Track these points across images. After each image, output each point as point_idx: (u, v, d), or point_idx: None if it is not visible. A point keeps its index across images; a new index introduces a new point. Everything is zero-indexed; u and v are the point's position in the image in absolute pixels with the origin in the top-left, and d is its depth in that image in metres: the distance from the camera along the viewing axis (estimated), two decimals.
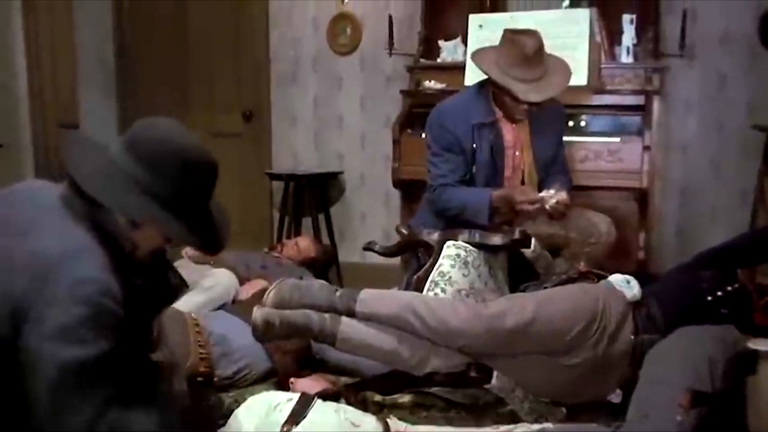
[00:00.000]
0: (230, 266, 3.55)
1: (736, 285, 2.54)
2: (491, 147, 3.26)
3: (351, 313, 2.45)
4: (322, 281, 2.77)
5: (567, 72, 3.24)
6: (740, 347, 2.17)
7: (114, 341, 1.54)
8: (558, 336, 2.33)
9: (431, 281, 2.78)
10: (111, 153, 1.70)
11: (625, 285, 2.48)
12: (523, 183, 3.32)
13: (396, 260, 3.71)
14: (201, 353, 2.69)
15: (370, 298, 2.48)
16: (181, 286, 1.92)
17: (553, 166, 3.37)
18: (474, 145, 3.26)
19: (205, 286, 3.34)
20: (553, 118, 3.36)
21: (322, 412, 2.10)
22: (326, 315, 2.44)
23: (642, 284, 2.55)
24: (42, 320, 1.50)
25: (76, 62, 5.20)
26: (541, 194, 3.10)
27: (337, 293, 2.50)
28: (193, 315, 2.83)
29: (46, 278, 1.52)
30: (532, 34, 3.18)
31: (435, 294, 2.73)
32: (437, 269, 2.81)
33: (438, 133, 3.34)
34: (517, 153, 3.32)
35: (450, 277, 2.78)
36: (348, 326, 2.43)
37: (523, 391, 2.45)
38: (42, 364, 1.49)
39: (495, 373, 2.43)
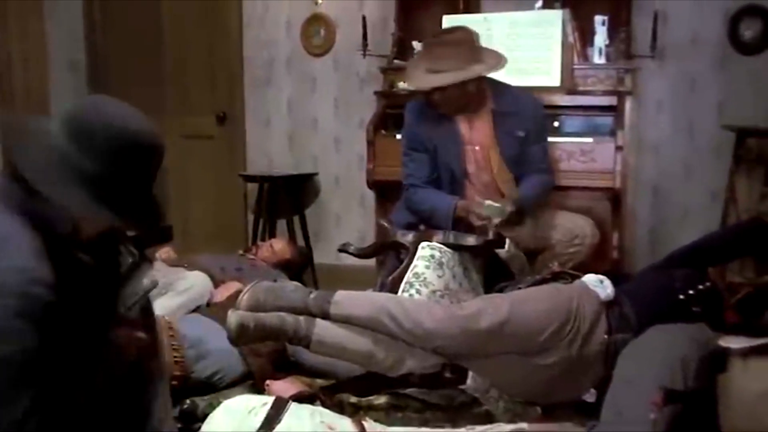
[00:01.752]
0: (205, 269, 3.53)
1: (708, 284, 2.57)
2: (448, 143, 3.29)
3: (326, 315, 2.44)
4: (297, 283, 2.76)
5: (491, 63, 3.27)
6: (712, 345, 2.19)
7: (46, 331, 1.48)
8: (532, 336, 2.34)
9: (406, 282, 2.77)
10: (50, 138, 1.62)
11: (598, 285, 2.49)
12: (493, 180, 3.34)
13: (371, 261, 3.71)
14: (175, 357, 2.67)
15: (344, 300, 2.47)
16: (140, 263, 1.86)
17: (526, 163, 3.34)
18: (435, 143, 3.30)
19: (180, 289, 3.31)
20: (521, 114, 3.31)
21: (297, 415, 2.09)
22: (301, 317, 2.42)
23: (615, 284, 2.57)
24: None
25: (47, 64, 5.15)
26: (485, 212, 3.09)
27: (312, 295, 2.49)
28: (166, 318, 2.80)
29: None
30: (458, 29, 3.30)
31: (410, 295, 2.73)
32: (412, 270, 2.81)
33: (405, 131, 3.44)
34: (477, 148, 3.32)
35: (425, 278, 2.78)
36: (322, 329, 2.43)
37: (498, 392, 2.46)
38: None
39: (470, 374, 2.44)
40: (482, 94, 3.31)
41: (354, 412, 2.56)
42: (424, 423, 2.53)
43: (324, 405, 2.41)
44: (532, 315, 2.36)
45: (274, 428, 2.04)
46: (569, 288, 2.54)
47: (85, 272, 1.67)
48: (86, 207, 1.60)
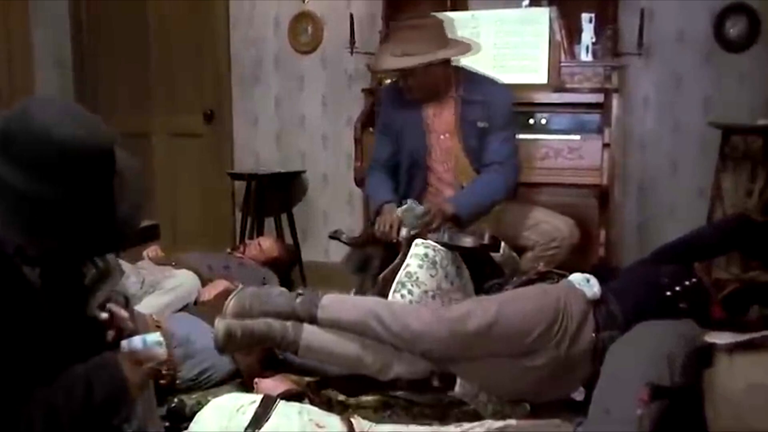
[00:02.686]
0: (192, 267, 3.52)
1: (694, 279, 2.58)
2: (412, 129, 3.31)
3: (313, 320, 2.44)
4: (283, 288, 2.74)
5: (457, 49, 3.29)
6: (698, 341, 2.20)
7: None
8: (520, 337, 2.34)
9: (398, 282, 2.75)
10: None
11: (585, 284, 2.50)
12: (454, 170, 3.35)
13: None
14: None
15: (331, 304, 2.47)
16: (106, 273, 1.76)
17: (485, 155, 3.28)
18: (400, 127, 3.34)
19: (167, 288, 3.31)
20: (486, 104, 3.27)
21: (285, 413, 2.09)
22: (288, 323, 2.42)
23: (603, 278, 2.57)
24: None
25: (32, 63, 5.12)
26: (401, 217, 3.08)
27: (298, 300, 2.48)
28: (155, 317, 2.80)
29: None
30: (426, 15, 3.42)
31: (402, 295, 2.72)
32: (405, 269, 2.79)
33: (378, 113, 3.50)
34: (441, 137, 3.33)
35: (417, 278, 2.76)
36: (310, 334, 2.42)
37: (487, 395, 2.46)
38: None
39: (458, 381, 2.43)
40: (449, 81, 3.30)
41: (342, 410, 2.57)
42: (412, 420, 2.54)
43: (312, 403, 2.41)
44: (519, 316, 2.37)
45: (262, 426, 2.04)
46: (556, 288, 2.54)
47: (34, 290, 1.56)
48: (25, 231, 1.43)
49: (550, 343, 2.35)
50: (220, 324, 2.40)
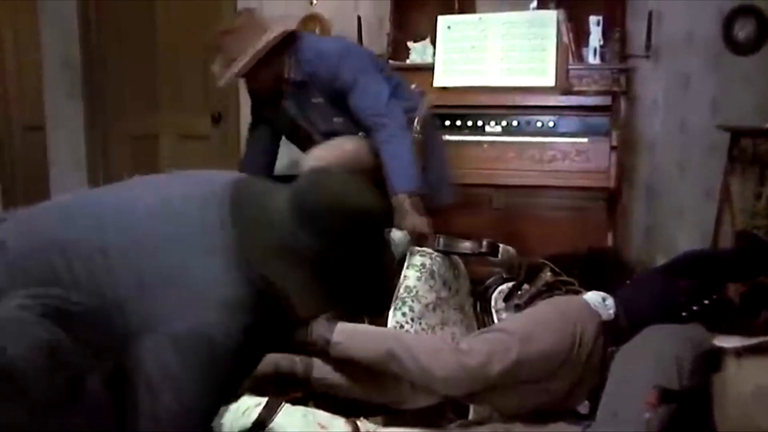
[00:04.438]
0: None
1: (714, 297, 2.51)
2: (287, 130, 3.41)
3: (325, 352, 2.36)
4: None
5: (265, 39, 3.11)
6: (707, 344, 2.19)
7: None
8: (543, 370, 2.31)
9: (398, 298, 2.68)
10: (281, 225, 1.62)
11: (600, 304, 2.46)
12: None
13: None
14: None
15: (345, 341, 2.36)
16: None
17: (360, 119, 3.12)
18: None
19: None
20: (315, 77, 3.16)
21: (290, 415, 2.09)
22: (297, 359, 2.35)
23: (614, 282, 2.54)
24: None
25: (41, 63, 5.14)
26: None
27: (309, 329, 2.37)
28: None
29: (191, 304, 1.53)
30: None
31: (403, 313, 2.65)
32: (403, 283, 2.72)
33: None
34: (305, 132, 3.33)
35: (417, 292, 2.70)
36: (320, 371, 2.36)
37: (499, 415, 2.43)
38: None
39: (471, 407, 2.41)
40: (281, 72, 3.20)
41: (349, 412, 2.55)
42: (419, 421, 2.52)
43: (317, 406, 2.39)
44: (541, 352, 2.30)
45: (265, 428, 2.03)
46: (573, 310, 2.46)
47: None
48: (305, 289, 1.61)
49: (567, 366, 2.33)
50: None
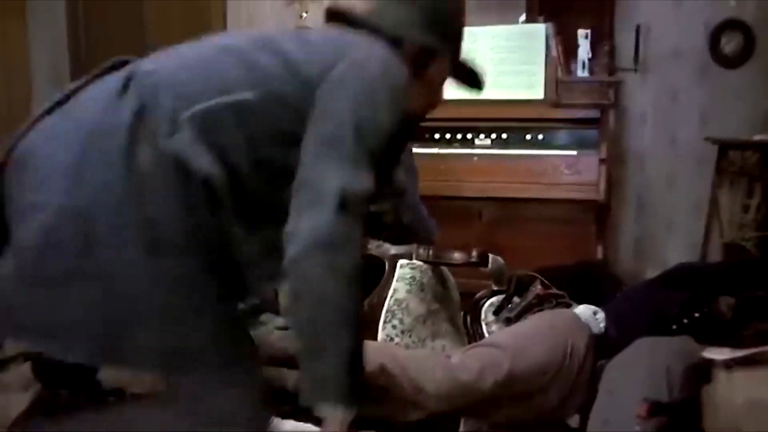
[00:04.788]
0: None
1: (705, 310, 2.51)
2: None
3: None
4: (281, 333, 2.57)
5: None
6: (696, 357, 2.19)
7: None
8: (534, 384, 2.31)
9: (387, 311, 2.67)
10: None
11: (590, 317, 2.46)
12: None
13: None
14: None
15: None
16: None
17: None
18: None
19: None
20: None
21: (279, 428, 2.08)
22: (285, 371, 2.31)
23: (604, 294, 2.55)
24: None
25: (30, 77, 5.12)
26: None
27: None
28: None
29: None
30: None
31: (393, 326, 2.65)
32: (392, 296, 2.71)
33: None
34: None
35: (407, 305, 2.69)
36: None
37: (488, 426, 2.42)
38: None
39: (462, 421, 2.39)
40: None
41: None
42: None
43: (306, 420, 2.38)
44: (532, 367, 2.30)
45: None
46: (563, 324, 2.48)
47: None
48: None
49: (557, 380, 2.33)
50: None
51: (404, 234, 3.01)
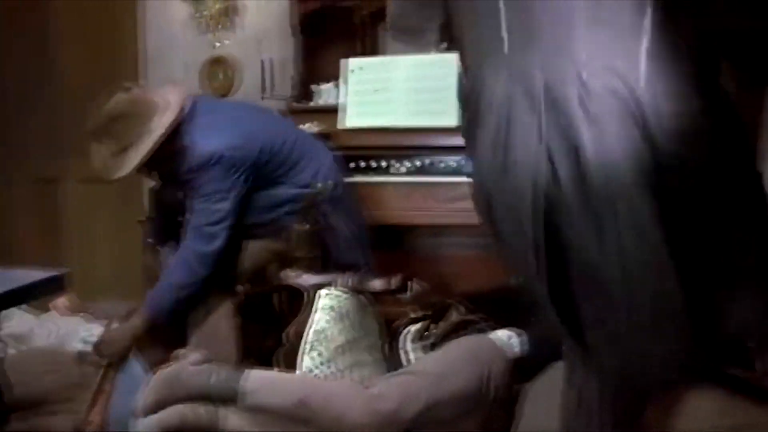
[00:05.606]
0: (108, 317, 3.41)
1: None
2: None
3: (232, 401, 2.28)
4: (199, 367, 2.42)
5: (153, 134, 3.00)
6: None
7: None
8: (454, 411, 2.34)
9: (307, 343, 2.67)
10: None
11: (507, 342, 2.51)
12: None
13: None
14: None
15: (255, 391, 2.29)
16: None
17: None
18: None
19: (82, 336, 3.20)
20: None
21: None
22: (202, 409, 2.26)
23: (522, 318, 2.59)
24: None
25: None
26: None
27: (213, 379, 2.30)
28: None
29: None
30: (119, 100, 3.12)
31: (311, 358, 2.64)
32: (312, 327, 2.71)
33: None
34: None
35: (326, 335, 2.70)
36: (228, 419, 2.28)
37: None
38: None
39: None
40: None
41: None
42: None
43: None
44: (451, 395, 2.34)
45: None
46: (481, 350, 2.52)
47: None
48: None
49: (477, 406, 2.36)
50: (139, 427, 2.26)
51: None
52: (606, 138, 1.41)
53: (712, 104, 1.48)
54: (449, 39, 2.51)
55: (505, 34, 1.53)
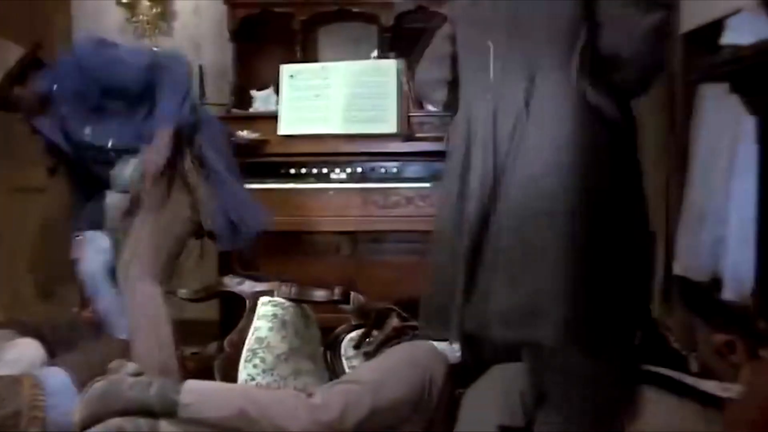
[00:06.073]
0: (35, 331, 3.32)
1: None
2: None
3: (172, 414, 2.23)
4: (136, 379, 2.37)
5: None
6: None
7: None
8: (395, 417, 2.35)
9: (249, 350, 2.67)
10: None
11: (447, 347, 2.52)
12: None
13: (214, 315, 3.64)
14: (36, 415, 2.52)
15: (195, 402, 2.25)
16: None
17: None
18: None
19: (7, 360, 3.09)
20: None
21: None
22: (141, 421, 2.20)
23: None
24: None
25: None
26: None
27: (152, 390, 2.25)
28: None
29: None
30: None
31: (254, 365, 2.64)
32: (254, 334, 2.71)
33: None
34: None
35: (268, 343, 2.69)
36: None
37: None
38: None
39: None
40: None
41: None
42: None
43: None
44: (393, 401, 2.34)
45: None
46: (421, 356, 2.52)
47: None
48: None
49: (418, 412, 2.37)
50: None
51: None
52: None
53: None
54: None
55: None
